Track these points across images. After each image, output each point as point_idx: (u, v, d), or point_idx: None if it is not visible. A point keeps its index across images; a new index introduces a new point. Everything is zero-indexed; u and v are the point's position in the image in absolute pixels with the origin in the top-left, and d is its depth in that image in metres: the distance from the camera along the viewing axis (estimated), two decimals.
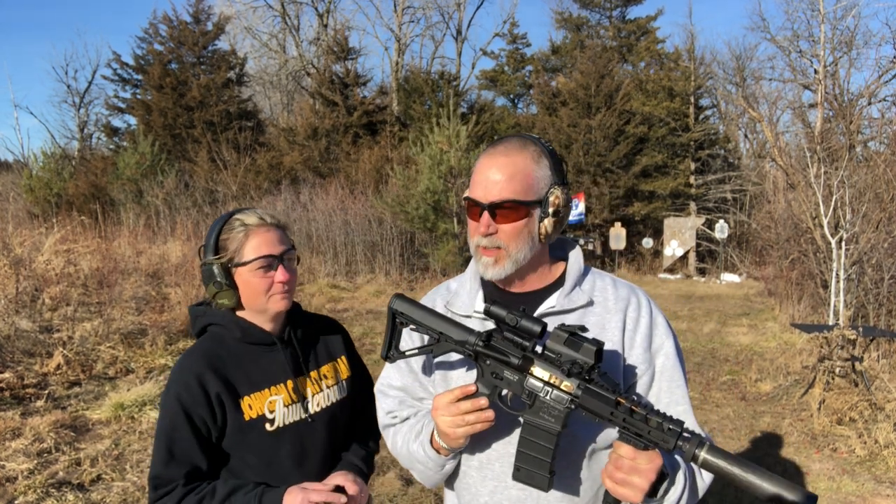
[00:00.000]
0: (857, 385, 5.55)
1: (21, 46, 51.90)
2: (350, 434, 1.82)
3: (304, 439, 1.66)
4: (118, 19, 53.39)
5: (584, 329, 1.23)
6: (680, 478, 1.27)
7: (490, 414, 1.27)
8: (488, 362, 1.30)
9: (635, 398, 1.21)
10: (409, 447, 1.44)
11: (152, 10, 35.04)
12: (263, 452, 1.61)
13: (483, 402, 1.27)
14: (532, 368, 1.25)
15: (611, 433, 1.32)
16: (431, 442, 1.38)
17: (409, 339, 1.51)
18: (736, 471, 1.08)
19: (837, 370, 5.61)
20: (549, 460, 1.23)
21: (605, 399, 1.18)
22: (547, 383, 1.24)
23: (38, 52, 56.29)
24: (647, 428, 1.14)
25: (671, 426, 1.13)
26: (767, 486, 1.06)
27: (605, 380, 1.22)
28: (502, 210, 1.33)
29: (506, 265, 1.37)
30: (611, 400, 1.18)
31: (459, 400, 1.28)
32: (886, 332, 6.78)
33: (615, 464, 1.18)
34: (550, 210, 1.36)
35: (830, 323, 7.13)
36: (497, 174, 1.34)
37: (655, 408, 1.35)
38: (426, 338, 1.44)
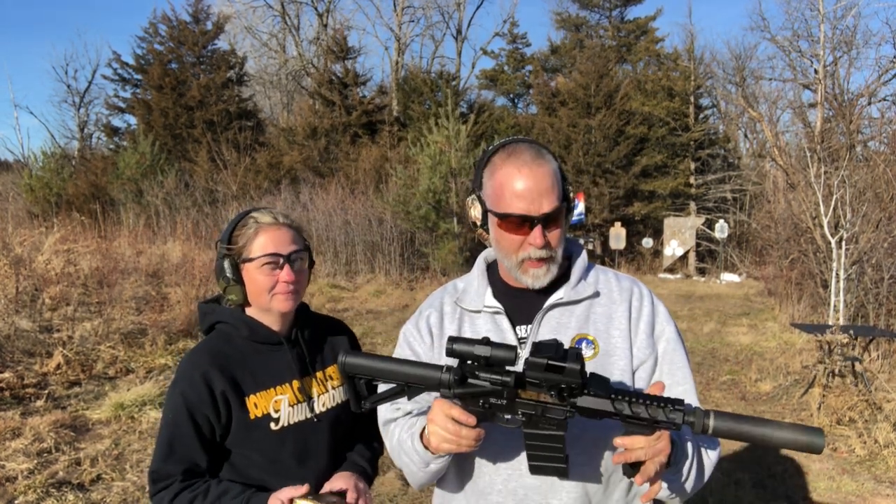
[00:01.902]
0: (856, 385, 5.55)
1: (21, 46, 51.94)
2: (355, 435, 1.82)
3: (308, 439, 1.67)
4: (118, 19, 53.46)
5: (558, 347, 1.17)
6: (689, 447, 1.30)
7: (480, 441, 1.25)
8: (471, 396, 1.24)
9: (634, 392, 1.19)
10: (399, 436, 1.43)
11: (152, 9, 35.05)
12: (267, 451, 1.62)
13: (481, 434, 1.24)
14: (519, 391, 1.21)
15: None
16: (422, 436, 1.35)
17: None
18: (747, 428, 1.12)
19: (837, 370, 5.61)
20: (562, 454, 1.23)
21: (602, 403, 1.17)
22: (539, 402, 1.20)
23: (38, 52, 56.36)
24: (651, 417, 1.14)
25: (675, 406, 1.14)
26: (781, 434, 1.11)
27: (596, 384, 1.19)
28: (552, 219, 1.36)
29: (553, 270, 1.41)
30: (607, 402, 1.17)
31: (458, 421, 1.24)
32: (886, 332, 6.79)
33: (627, 452, 1.18)
34: (571, 206, 1.44)
35: (830, 323, 7.13)
36: (540, 185, 1.34)
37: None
38: None
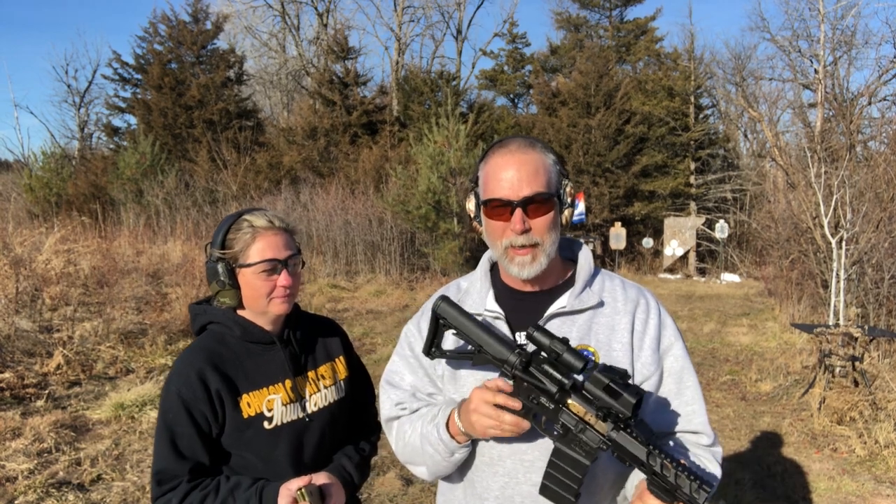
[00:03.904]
0: (857, 384, 5.54)
1: (21, 46, 51.91)
2: (347, 435, 1.82)
3: (301, 438, 1.67)
4: (118, 19, 53.44)
5: (625, 376, 1.21)
6: None
7: (526, 427, 1.28)
8: (525, 384, 1.29)
9: (667, 451, 1.20)
10: (422, 430, 1.42)
11: (152, 9, 35.03)
12: (261, 450, 1.62)
13: (526, 424, 1.27)
14: (568, 401, 1.25)
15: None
16: (448, 426, 1.36)
17: (449, 340, 1.50)
18: None
19: (838, 370, 5.61)
20: (577, 486, 1.24)
21: (638, 449, 1.18)
22: (581, 420, 1.23)
23: (38, 52, 56.28)
24: (675, 485, 1.15)
25: (702, 487, 1.13)
26: None
27: (641, 428, 1.22)
28: (534, 205, 1.34)
29: (542, 260, 1.38)
30: (643, 451, 1.18)
31: (500, 406, 1.26)
32: (887, 332, 6.78)
33: None
34: (568, 200, 1.41)
35: (830, 323, 7.12)
36: (521, 170, 1.34)
37: (685, 461, 1.34)
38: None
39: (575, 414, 1.23)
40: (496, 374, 1.37)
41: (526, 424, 1.27)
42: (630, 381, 1.21)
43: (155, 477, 1.54)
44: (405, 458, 1.51)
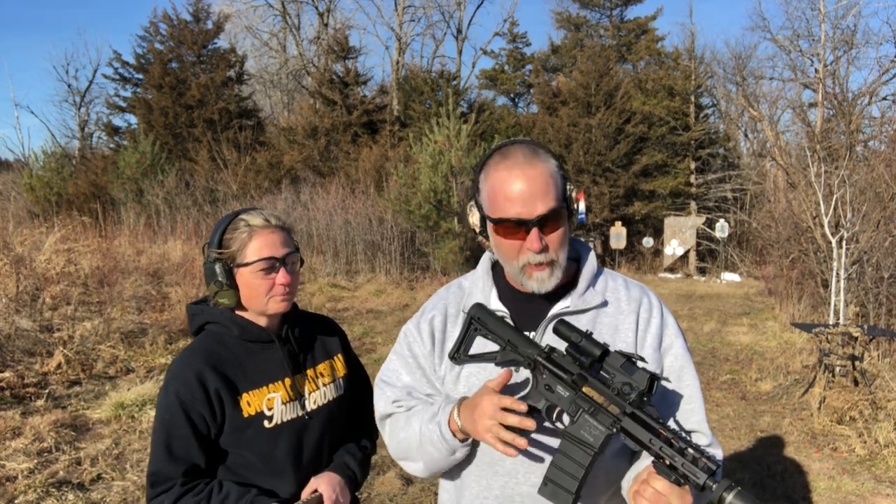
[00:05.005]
0: (857, 384, 5.54)
1: (21, 46, 51.90)
2: (346, 433, 1.82)
3: (301, 437, 1.67)
4: (119, 18, 53.38)
5: (642, 360, 1.25)
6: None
7: (529, 424, 1.26)
8: (544, 375, 1.30)
9: (676, 430, 1.21)
10: (421, 428, 1.40)
11: (153, 8, 35.00)
12: (261, 449, 1.62)
13: (530, 423, 1.25)
14: (584, 387, 1.27)
15: (626, 466, 1.38)
16: (450, 423, 1.35)
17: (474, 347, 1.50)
18: None
19: (837, 369, 5.61)
20: (578, 482, 1.24)
21: (648, 427, 1.20)
22: (594, 403, 1.26)
23: (38, 52, 56.24)
24: (681, 460, 1.16)
25: (706, 462, 1.14)
26: None
27: (651, 410, 1.24)
28: (549, 221, 1.32)
29: (557, 274, 1.37)
30: (653, 428, 1.20)
31: (506, 409, 1.25)
32: (887, 332, 6.79)
33: (651, 499, 1.19)
34: (574, 207, 1.40)
35: (830, 322, 7.12)
36: (533, 186, 1.30)
37: (685, 434, 1.34)
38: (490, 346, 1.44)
39: (589, 398, 1.27)
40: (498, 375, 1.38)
41: (531, 423, 1.26)
42: (647, 366, 1.25)
43: (149, 478, 1.55)
44: (398, 454, 1.50)
